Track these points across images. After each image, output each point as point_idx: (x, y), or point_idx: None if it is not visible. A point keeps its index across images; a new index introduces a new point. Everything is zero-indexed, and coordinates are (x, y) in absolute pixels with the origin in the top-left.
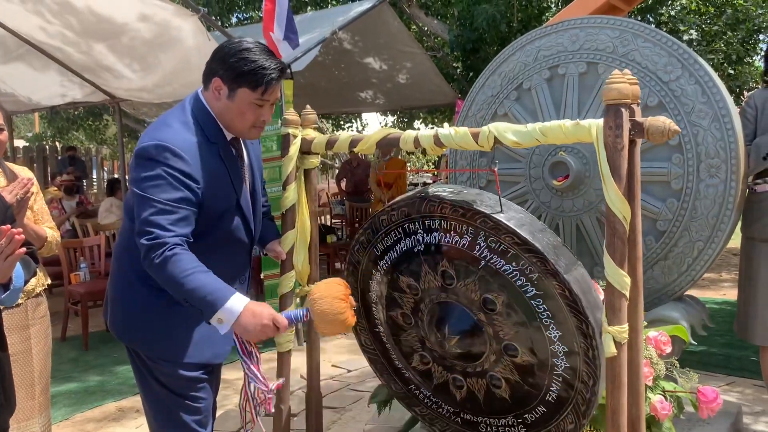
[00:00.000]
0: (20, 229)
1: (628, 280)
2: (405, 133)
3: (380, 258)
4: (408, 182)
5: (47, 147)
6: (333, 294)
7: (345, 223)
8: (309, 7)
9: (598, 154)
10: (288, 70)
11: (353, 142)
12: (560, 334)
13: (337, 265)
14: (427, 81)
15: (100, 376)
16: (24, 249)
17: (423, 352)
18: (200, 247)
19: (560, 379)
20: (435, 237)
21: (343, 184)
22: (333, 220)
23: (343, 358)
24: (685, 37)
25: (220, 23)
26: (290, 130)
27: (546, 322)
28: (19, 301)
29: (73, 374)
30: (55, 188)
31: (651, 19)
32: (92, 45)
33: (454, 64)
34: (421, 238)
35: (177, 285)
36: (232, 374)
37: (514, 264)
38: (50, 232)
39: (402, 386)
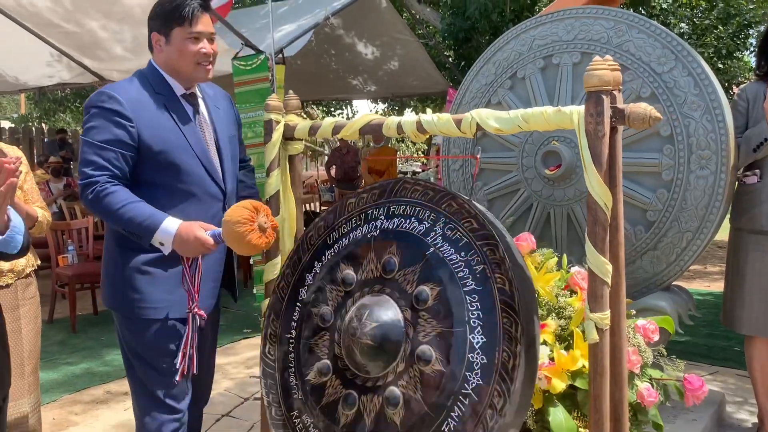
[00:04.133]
0: (10, 159)
1: (609, 267)
2: (388, 119)
3: (328, 247)
4: (398, 171)
5: (33, 129)
6: (236, 218)
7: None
8: None
9: (580, 141)
10: (281, 55)
11: (336, 128)
12: (485, 340)
13: None
14: (419, 69)
15: (87, 359)
16: (16, 179)
17: (326, 360)
18: (166, 198)
19: (466, 401)
20: (394, 222)
21: (332, 171)
22: (322, 207)
23: None
24: (676, 30)
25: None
26: (272, 116)
27: (474, 323)
28: (9, 281)
29: (61, 357)
30: (42, 171)
31: (643, 11)
32: (84, 22)
33: (446, 53)
34: (379, 224)
35: (114, 217)
36: (222, 359)
37: (462, 254)
38: (41, 212)
39: (284, 412)
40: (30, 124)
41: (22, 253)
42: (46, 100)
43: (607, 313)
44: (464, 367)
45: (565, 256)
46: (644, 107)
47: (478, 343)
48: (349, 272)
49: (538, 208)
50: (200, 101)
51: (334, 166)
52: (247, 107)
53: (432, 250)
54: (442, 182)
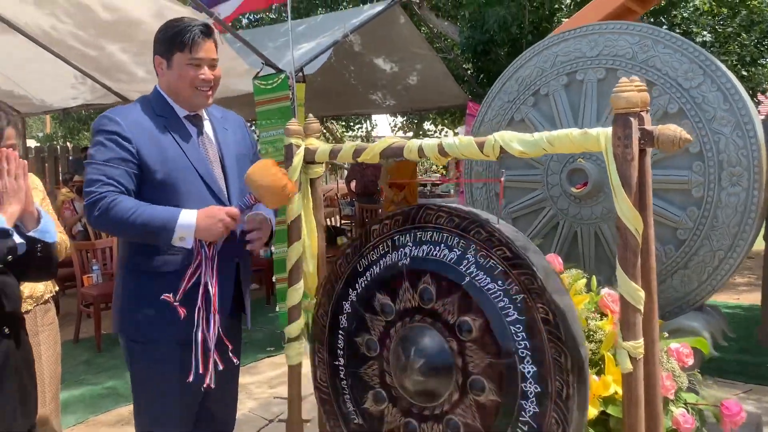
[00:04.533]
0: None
1: (642, 294)
2: (409, 143)
3: (361, 275)
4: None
5: (58, 147)
6: (265, 167)
7: (354, 225)
8: (320, 9)
9: (608, 165)
10: (301, 73)
11: (357, 152)
12: (535, 369)
13: None
14: (438, 83)
15: (113, 379)
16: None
17: (380, 389)
18: None
19: (525, 428)
20: (423, 250)
21: (352, 185)
22: (342, 221)
23: None
24: (699, 39)
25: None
26: (293, 140)
27: (522, 353)
28: (28, 307)
29: (86, 377)
30: (68, 189)
31: (664, 22)
32: (106, 45)
33: (464, 66)
34: (408, 251)
35: (126, 227)
36: (245, 378)
37: (499, 282)
38: (59, 235)
39: None
40: (55, 142)
41: (53, 267)
42: (71, 119)
43: (641, 341)
44: (519, 396)
45: (594, 277)
46: (674, 129)
47: (529, 372)
48: (386, 301)
49: (565, 226)
50: (205, 122)
51: (354, 180)
52: (268, 126)
53: (468, 279)
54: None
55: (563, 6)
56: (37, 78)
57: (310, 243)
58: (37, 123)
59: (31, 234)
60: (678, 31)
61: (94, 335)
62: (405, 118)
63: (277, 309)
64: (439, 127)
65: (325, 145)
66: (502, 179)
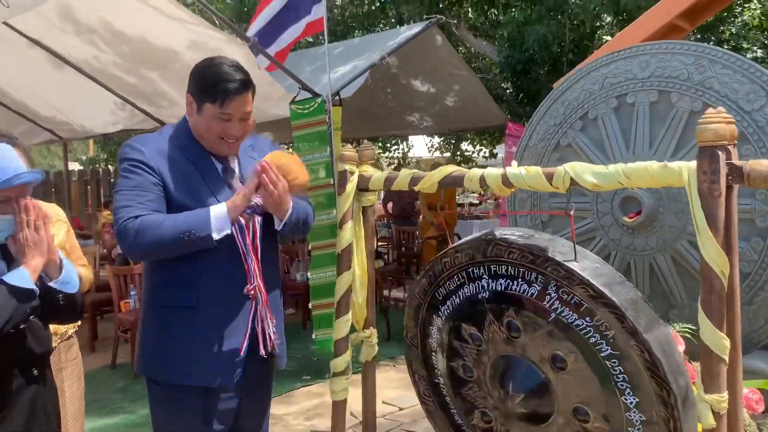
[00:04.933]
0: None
1: (727, 342)
2: (470, 172)
3: (442, 303)
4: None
5: (100, 170)
6: (278, 154)
7: (391, 246)
8: (357, 32)
9: (691, 201)
10: (337, 97)
11: (414, 180)
12: (637, 400)
13: (385, 292)
14: (476, 103)
15: (148, 407)
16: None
17: (485, 409)
18: (193, 255)
19: None
20: (501, 284)
21: (389, 207)
22: (379, 243)
23: (394, 394)
24: (749, 55)
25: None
26: (347, 167)
27: (622, 386)
28: (53, 344)
29: (122, 404)
30: (109, 212)
31: (712, 38)
32: (144, 73)
33: (503, 86)
34: (486, 284)
35: (159, 241)
36: (280, 409)
37: (587, 319)
38: (83, 270)
39: None
40: (97, 165)
41: (78, 313)
42: (112, 143)
43: (725, 395)
44: (625, 424)
45: None
46: (766, 165)
47: (632, 403)
48: (473, 331)
49: (617, 257)
50: (231, 156)
51: (391, 202)
52: (305, 150)
53: (554, 315)
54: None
55: (604, 24)
56: (78, 104)
57: (360, 273)
58: (82, 146)
59: (53, 285)
60: (726, 47)
61: (130, 361)
62: (442, 139)
63: (314, 336)
64: (477, 147)
65: (379, 173)
66: (572, 213)
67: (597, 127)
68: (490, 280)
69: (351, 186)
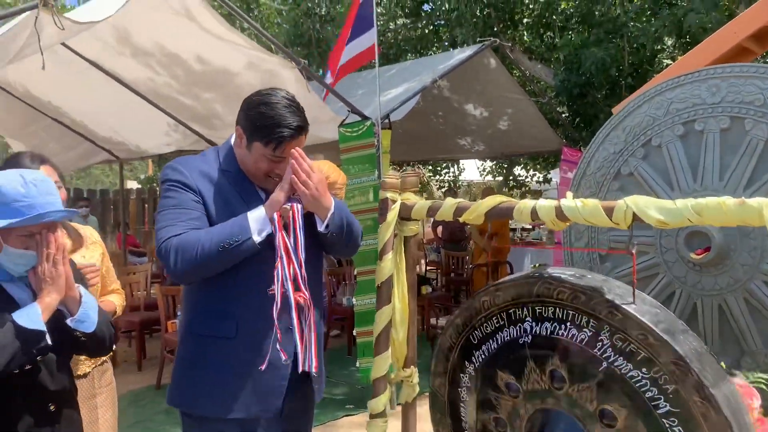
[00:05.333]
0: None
1: None
2: (520, 203)
3: (476, 347)
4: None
5: (158, 189)
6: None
7: (440, 272)
8: (410, 55)
9: None
10: (387, 120)
11: (458, 210)
12: None
13: (432, 320)
14: (531, 127)
15: None
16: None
17: None
18: (231, 277)
19: None
20: (547, 327)
21: (438, 231)
22: (428, 268)
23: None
24: None
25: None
26: (389, 194)
27: None
28: (87, 370)
29: (165, 427)
30: None
31: None
32: (199, 94)
33: (559, 110)
34: (528, 328)
35: (200, 256)
36: None
37: (644, 370)
38: (114, 298)
39: None
40: (155, 184)
41: (105, 347)
42: (165, 162)
43: None
44: None
45: (723, 363)
46: None
47: None
48: (510, 380)
49: (682, 297)
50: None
51: (440, 226)
52: (353, 173)
53: (605, 365)
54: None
55: (666, 47)
56: (133, 125)
57: (400, 307)
58: (142, 165)
59: (68, 323)
60: None
61: None
62: (494, 163)
63: (357, 364)
64: (531, 172)
65: (422, 202)
66: (634, 251)
67: (661, 155)
68: (534, 323)
69: (392, 215)
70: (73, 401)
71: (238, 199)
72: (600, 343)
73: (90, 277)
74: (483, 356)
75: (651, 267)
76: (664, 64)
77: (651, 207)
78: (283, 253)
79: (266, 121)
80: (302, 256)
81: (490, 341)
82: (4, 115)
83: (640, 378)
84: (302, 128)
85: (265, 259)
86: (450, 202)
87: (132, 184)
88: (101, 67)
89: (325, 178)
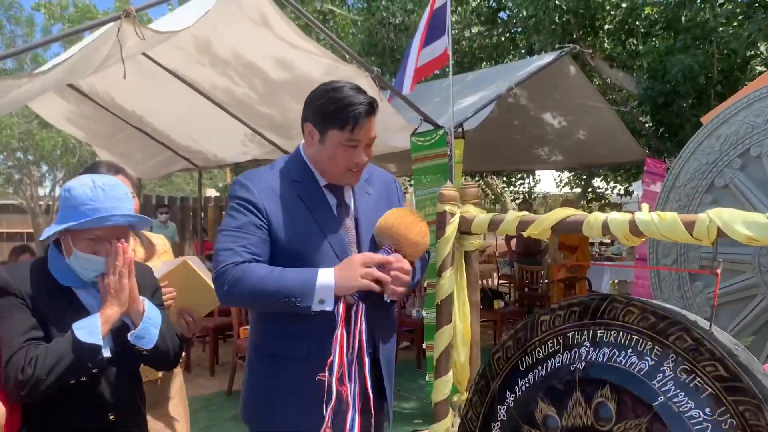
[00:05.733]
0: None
1: None
2: (590, 217)
3: (522, 375)
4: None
5: None
6: (402, 214)
7: (513, 286)
8: (485, 63)
9: None
10: (460, 129)
11: (522, 224)
12: None
13: (504, 335)
14: (611, 137)
15: None
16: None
17: None
18: None
19: None
20: (604, 353)
21: (512, 243)
22: (500, 281)
23: None
24: None
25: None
26: (447, 207)
27: None
28: (157, 375)
29: None
30: None
31: None
32: (275, 103)
33: (641, 119)
34: (584, 353)
35: (260, 295)
36: None
37: (707, 410)
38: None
39: None
40: None
41: (170, 361)
42: (241, 170)
43: None
44: None
45: None
46: None
47: None
48: (550, 413)
49: None
50: (347, 190)
51: (514, 239)
52: (425, 183)
53: (661, 399)
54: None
55: (759, 53)
56: (211, 134)
57: (461, 327)
58: (220, 173)
59: (129, 338)
60: None
61: None
62: (572, 174)
63: (427, 378)
64: (611, 184)
65: (483, 215)
66: (719, 270)
67: (761, 166)
68: (590, 349)
69: (451, 229)
70: (137, 410)
71: (305, 213)
72: (661, 374)
73: (165, 299)
74: (527, 384)
75: (748, 288)
76: (757, 71)
77: (738, 221)
78: (337, 347)
79: (338, 104)
80: (355, 353)
81: (539, 368)
82: (93, 124)
83: (701, 419)
84: (373, 105)
85: None
86: (513, 216)
87: (211, 192)
88: (181, 77)
89: (415, 243)
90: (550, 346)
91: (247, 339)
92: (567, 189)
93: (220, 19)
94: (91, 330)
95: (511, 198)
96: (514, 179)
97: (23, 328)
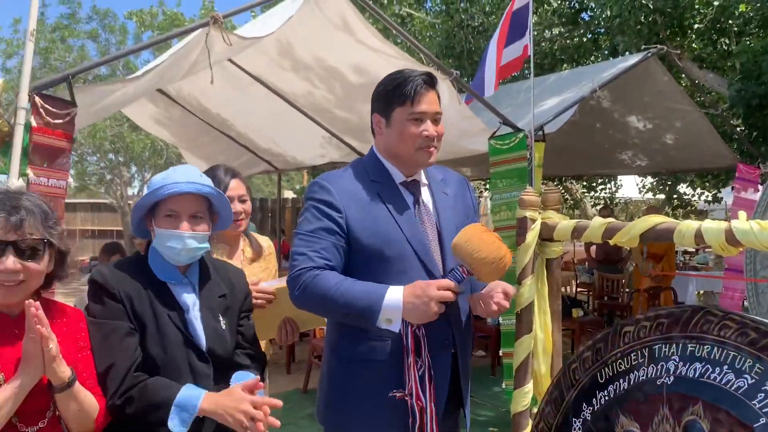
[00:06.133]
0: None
1: None
2: (681, 225)
3: (601, 387)
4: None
5: None
6: (478, 234)
7: (592, 295)
8: (565, 65)
9: None
10: (541, 132)
11: (609, 232)
12: None
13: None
14: (700, 141)
15: None
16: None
17: None
18: None
19: None
20: (696, 369)
21: (592, 250)
22: (578, 290)
23: None
24: None
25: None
26: (527, 213)
27: None
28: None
29: (311, 431)
30: None
31: None
32: (354, 106)
33: (733, 122)
34: (672, 368)
35: (328, 304)
36: None
37: None
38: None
39: None
40: None
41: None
42: (319, 173)
43: None
44: None
45: None
46: None
47: None
48: (633, 429)
49: None
50: (424, 188)
51: (594, 245)
52: (502, 187)
53: (764, 421)
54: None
55: None
56: (291, 137)
57: (542, 337)
58: (298, 176)
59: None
60: None
61: None
62: (656, 180)
63: (504, 386)
64: (698, 190)
65: (567, 222)
66: None
67: None
68: (680, 363)
69: (532, 236)
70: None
71: (383, 210)
72: (762, 394)
73: (258, 303)
74: (607, 398)
75: None
76: None
77: None
78: (414, 382)
79: (395, 81)
80: (427, 366)
81: (621, 380)
82: (179, 127)
83: None
84: (432, 76)
85: (418, 279)
86: (598, 222)
87: (288, 194)
88: (263, 81)
89: (492, 262)
90: (633, 358)
91: (324, 339)
92: (650, 195)
93: (303, 24)
94: (183, 418)
95: (591, 204)
96: (594, 184)
97: (127, 354)
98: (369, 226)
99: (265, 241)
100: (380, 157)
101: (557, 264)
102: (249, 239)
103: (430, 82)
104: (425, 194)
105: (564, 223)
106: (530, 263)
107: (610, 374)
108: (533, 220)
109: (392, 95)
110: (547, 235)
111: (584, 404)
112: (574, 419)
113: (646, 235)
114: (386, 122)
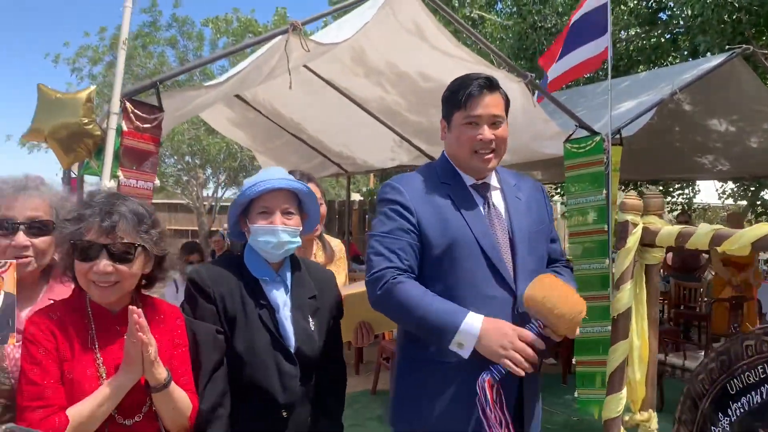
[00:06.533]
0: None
1: None
2: None
3: (734, 399)
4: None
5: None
6: (557, 289)
7: (667, 303)
8: (641, 66)
9: None
10: (618, 135)
11: (716, 239)
12: None
13: (660, 355)
14: None
15: None
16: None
17: None
18: (445, 299)
19: None
20: None
21: (668, 258)
22: None
23: None
24: None
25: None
26: (629, 217)
27: None
28: None
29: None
30: None
31: None
32: (425, 110)
33: None
34: None
35: (405, 314)
36: None
37: None
38: None
39: None
40: (375, 197)
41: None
42: (387, 177)
43: None
44: None
45: None
46: None
47: None
48: None
49: None
50: (495, 192)
51: (670, 252)
52: (577, 192)
53: None
54: None
55: None
56: (362, 141)
57: (639, 344)
58: (364, 179)
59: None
60: None
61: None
62: (737, 185)
63: (576, 395)
64: None
65: (670, 227)
66: None
67: None
68: None
69: (633, 240)
70: (305, 406)
71: (453, 211)
72: None
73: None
74: (742, 410)
75: None
76: None
77: None
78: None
79: (454, 87)
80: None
81: (753, 393)
82: (254, 131)
83: None
84: (489, 82)
85: (494, 285)
86: (705, 229)
87: (355, 196)
88: (336, 86)
89: (562, 315)
90: (761, 371)
91: (396, 342)
92: (730, 201)
93: (377, 31)
94: None
95: (668, 209)
96: (671, 189)
97: (209, 366)
98: (439, 226)
99: (337, 245)
100: (449, 160)
101: (656, 270)
102: (322, 243)
103: (488, 85)
104: (496, 197)
105: (667, 229)
106: (630, 268)
107: (741, 386)
108: (635, 225)
109: (451, 100)
110: (648, 241)
111: (720, 414)
112: (712, 427)
113: (758, 243)
114: (448, 127)
